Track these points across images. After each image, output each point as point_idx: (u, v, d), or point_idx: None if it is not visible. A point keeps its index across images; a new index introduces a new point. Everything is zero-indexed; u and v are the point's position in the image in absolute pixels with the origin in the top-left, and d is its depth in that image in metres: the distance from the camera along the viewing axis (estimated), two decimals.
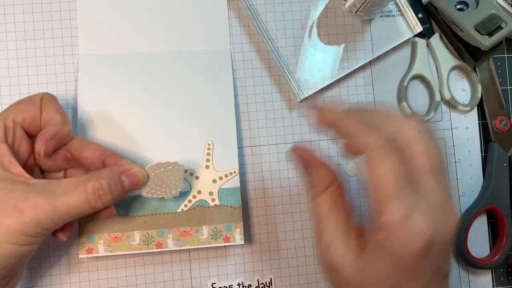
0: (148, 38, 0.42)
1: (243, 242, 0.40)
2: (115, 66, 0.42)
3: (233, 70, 0.43)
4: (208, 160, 0.42)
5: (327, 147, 0.44)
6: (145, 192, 0.37)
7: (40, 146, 0.35)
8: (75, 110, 0.41)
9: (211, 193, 0.41)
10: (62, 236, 0.36)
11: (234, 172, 0.42)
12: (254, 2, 0.44)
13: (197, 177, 0.41)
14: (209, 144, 0.42)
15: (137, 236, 0.40)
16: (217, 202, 0.41)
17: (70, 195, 0.32)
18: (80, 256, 0.39)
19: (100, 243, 0.39)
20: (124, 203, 0.40)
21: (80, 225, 0.39)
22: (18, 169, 0.33)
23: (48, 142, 0.35)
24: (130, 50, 0.42)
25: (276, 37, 0.44)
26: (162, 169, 0.38)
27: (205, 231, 0.41)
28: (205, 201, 0.41)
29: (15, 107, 0.35)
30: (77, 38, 0.41)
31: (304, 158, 0.34)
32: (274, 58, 0.43)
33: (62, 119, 0.36)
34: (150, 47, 0.42)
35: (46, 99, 0.36)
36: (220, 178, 0.42)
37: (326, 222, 0.31)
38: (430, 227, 0.28)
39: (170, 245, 0.40)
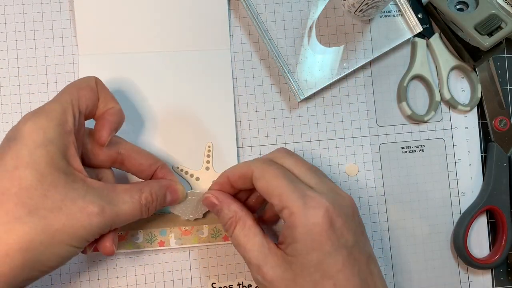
0: (147, 38, 0.42)
1: None
2: (115, 67, 0.42)
3: (233, 70, 0.43)
4: (208, 162, 0.42)
5: (327, 147, 0.44)
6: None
7: (106, 136, 0.33)
8: None
9: None
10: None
11: None
12: (254, 2, 0.44)
13: (197, 178, 0.42)
14: (209, 146, 0.42)
15: (140, 235, 0.41)
16: None
17: (129, 204, 0.33)
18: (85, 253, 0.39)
19: None
20: None
21: None
22: (78, 164, 0.32)
23: (112, 132, 0.34)
24: (130, 50, 0.42)
25: (276, 37, 0.44)
26: (194, 196, 0.40)
27: (206, 230, 0.41)
28: None
29: (76, 93, 0.33)
30: (76, 38, 0.41)
31: (212, 205, 0.37)
32: (274, 58, 0.43)
33: (120, 108, 0.35)
34: (150, 47, 0.42)
35: (99, 83, 0.35)
36: None
37: (248, 250, 0.34)
38: (326, 200, 0.31)
39: (172, 243, 0.41)
